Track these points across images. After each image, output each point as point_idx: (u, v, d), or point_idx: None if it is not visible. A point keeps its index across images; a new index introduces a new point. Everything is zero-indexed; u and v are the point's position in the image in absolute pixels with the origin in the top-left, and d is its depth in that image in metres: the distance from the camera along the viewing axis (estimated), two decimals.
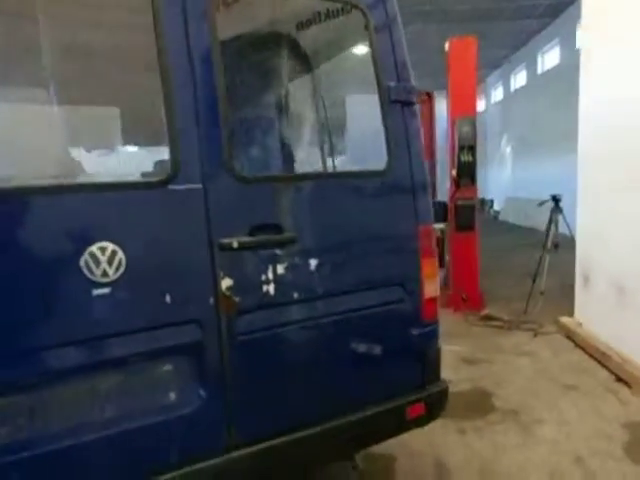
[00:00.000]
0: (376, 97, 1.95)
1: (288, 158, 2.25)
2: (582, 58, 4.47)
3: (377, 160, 1.98)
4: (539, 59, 15.02)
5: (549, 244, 5.04)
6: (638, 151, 3.48)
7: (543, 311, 5.07)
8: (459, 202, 5.50)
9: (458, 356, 4.23)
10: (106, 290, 1.45)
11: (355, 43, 2.06)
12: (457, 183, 5.50)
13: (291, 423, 1.79)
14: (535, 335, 4.71)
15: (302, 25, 2.16)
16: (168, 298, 1.55)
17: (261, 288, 1.71)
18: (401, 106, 2.00)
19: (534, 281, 5.29)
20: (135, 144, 1.77)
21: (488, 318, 5.31)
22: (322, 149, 2.26)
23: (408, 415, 2.03)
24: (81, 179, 1.74)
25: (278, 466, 1.79)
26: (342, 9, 2.09)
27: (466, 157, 5.41)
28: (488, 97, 20.86)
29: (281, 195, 1.75)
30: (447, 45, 5.52)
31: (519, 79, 17.17)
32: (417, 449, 2.82)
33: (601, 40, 4.14)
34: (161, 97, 1.53)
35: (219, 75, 1.62)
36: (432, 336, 2.13)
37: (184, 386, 1.62)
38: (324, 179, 1.92)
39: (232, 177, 1.65)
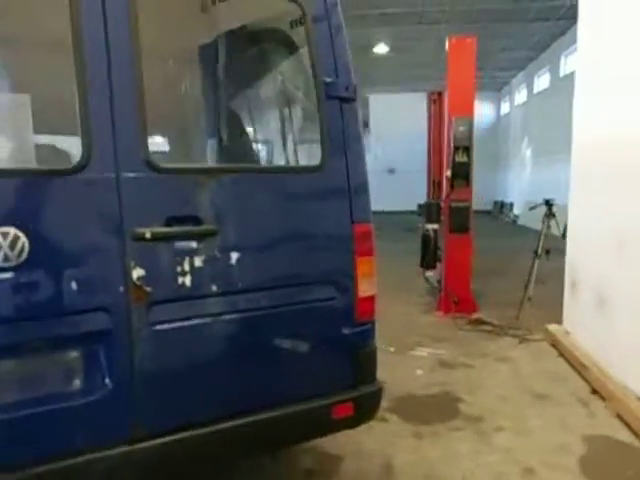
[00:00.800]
0: (313, 93, 1.93)
1: (213, 150, 2.25)
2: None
3: (311, 157, 1.96)
4: (562, 61, 14.61)
5: (539, 250, 4.91)
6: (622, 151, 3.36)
7: (535, 318, 4.95)
8: (453, 204, 5.40)
9: (438, 360, 4.17)
10: (7, 275, 1.48)
11: (291, 35, 2.03)
12: (452, 184, 5.40)
13: (203, 418, 1.78)
14: (520, 342, 4.60)
15: (232, 12, 2.14)
16: (75, 285, 1.57)
17: (176, 280, 1.71)
18: (339, 102, 1.97)
19: (526, 287, 5.17)
20: (47, 132, 1.78)
21: (478, 322, 5.22)
22: (250, 143, 2.26)
23: (334, 415, 2.00)
24: None
25: (187, 461, 1.78)
26: None
27: (461, 158, 5.31)
28: (512, 99, 20.43)
29: (201, 187, 1.75)
30: (447, 45, 5.43)
31: (542, 81, 16.75)
32: (368, 450, 2.79)
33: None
34: (75, 85, 1.55)
35: (137, 64, 1.62)
36: (366, 336, 2.10)
37: (91, 374, 1.64)
38: (251, 173, 1.91)
39: (148, 167, 1.65)
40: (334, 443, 2.82)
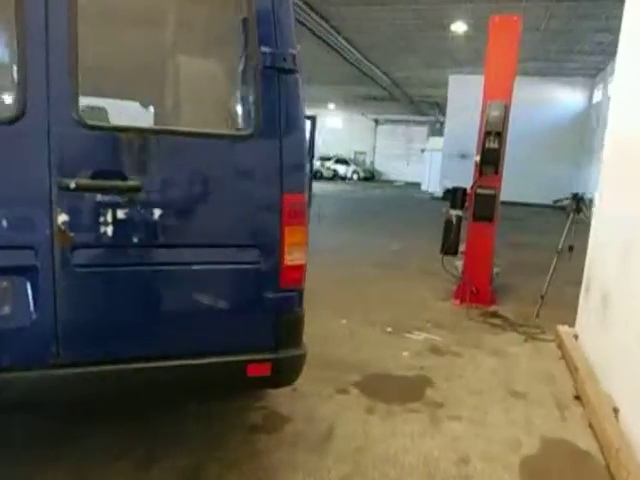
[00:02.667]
0: (250, 61, 1.99)
1: (144, 111, 2.37)
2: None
3: (242, 124, 2.03)
4: None
5: (560, 246, 4.60)
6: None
7: (556, 318, 4.68)
8: (479, 190, 5.20)
9: (430, 345, 4.13)
10: None
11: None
12: (480, 170, 5.18)
13: (118, 356, 1.97)
14: (526, 340, 4.40)
15: None
16: (5, 223, 1.80)
17: (98, 229, 1.88)
18: (277, 73, 2.01)
19: (548, 284, 4.91)
20: None
21: (491, 315, 5.05)
22: (182, 106, 2.34)
23: (249, 372, 2.12)
24: None
25: (99, 393, 2.00)
26: None
27: (492, 144, 5.06)
28: (606, 87, 18.64)
29: (129, 146, 1.89)
30: (489, 24, 5.13)
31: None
32: (317, 416, 2.89)
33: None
34: (14, 42, 1.72)
35: (72, 23, 1.75)
36: (290, 302, 2.18)
37: (18, 302, 1.86)
38: (180, 136, 2.02)
39: (78, 124, 1.82)
40: (288, 406, 2.97)
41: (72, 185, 1.82)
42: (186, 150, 1.99)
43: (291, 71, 2.04)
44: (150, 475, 2.30)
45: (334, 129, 36.38)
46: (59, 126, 1.80)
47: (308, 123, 7.30)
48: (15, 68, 1.75)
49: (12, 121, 1.76)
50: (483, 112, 5.12)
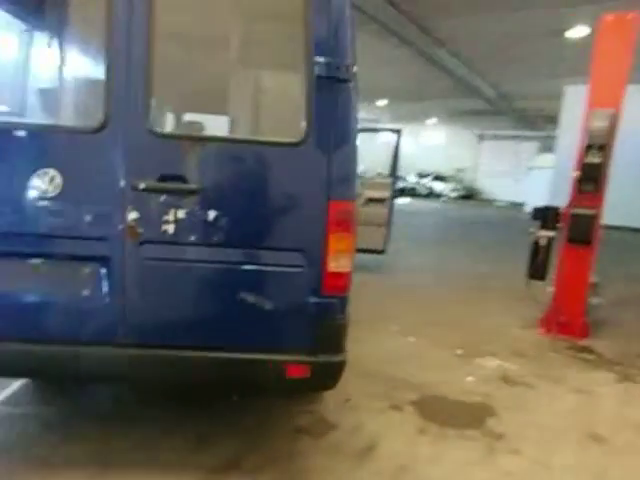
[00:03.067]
0: (303, 72, 2.05)
1: (207, 121, 2.49)
2: None
3: (293, 132, 2.09)
4: None
5: None
6: None
7: None
8: (576, 210, 4.75)
9: (502, 373, 3.85)
10: (47, 203, 2.01)
11: (288, 9, 2.15)
12: (578, 188, 4.75)
13: (171, 342, 2.12)
14: (620, 381, 3.91)
15: None
16: (88, 218, 2.04)
17: (162, 226, 2.06)
18: (330, 83, 2.05)
19: None
20: (83, 101, 2.27)
21: (581, 349, 4.58)
22: (239, 116, 2.44)
23: (289, 373, 2.15)
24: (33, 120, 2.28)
25: (154, 374, 2.18)
26: None
27: (594, 158, 4.62)
28: None
29: (190, 152, 2.05)
30: (599, 23, 4.70)
31: None
32: (364, 429, 2.84)
33: None
34: (103, 69, 2.00)
35: (149, 53, 1.99)
36: (332, 309, 2.17)
37: (95, 287, 2.09)
38: (236, 143, 2.13)
39: (149, 133, 2.02)
40: (337, 415, 2.96)
41: (141, 186, 2.02)
42: (240, 156, 2.11)
43: (345, 81, 2.06)
44: (196, 455, 2.44)
45: (435, 145, 35.66)
46: (133, 135, 2.02)
47: (392, 137, 7.25)
48: (102, 89, 2.00)
49: (96, 131, 2.01)
50: (586, 122, 4.70)
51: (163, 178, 2.05)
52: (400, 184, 28.74)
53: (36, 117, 2.13)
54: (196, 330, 2.16)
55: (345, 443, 2.68)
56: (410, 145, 37.47)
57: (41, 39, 2.23)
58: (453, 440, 2.80)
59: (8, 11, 2.16)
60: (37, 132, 2.07)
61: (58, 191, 2.01)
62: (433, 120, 31.75)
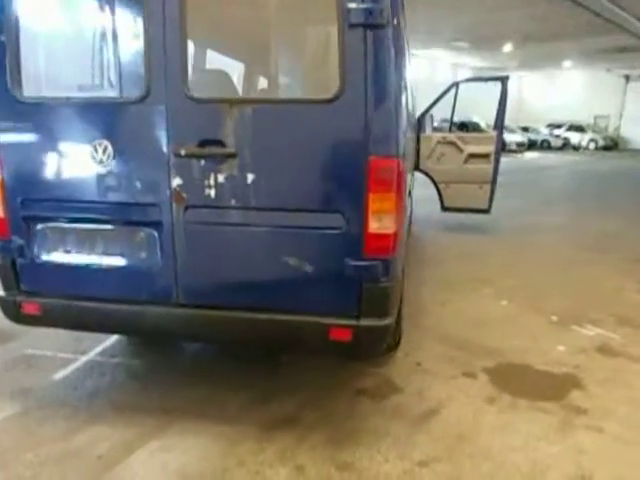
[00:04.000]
0: (335, 22, 1.95)
1: (241, 82, 2.44)
2: None
3: (328, 87, 2.03)
4: None
5: None
6: None
7: None
8: None
9: (601, 343, 3.45)
10: (103, 171, 2.24)
11: None
12: None
13: (220, 303, 2.27)
14: None
15: None
16: (139, 185, 2.23)
17: (204, 191, 2.17)
18: (363, 30, 1.94)
19: None
20: (126, 73, 2.39)
21: None
22: (271, 74, 2.35)
23: (331, 336, 2.18)
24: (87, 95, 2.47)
25: (206, 332, 2.36)
26: None
27: None
28: None
29: (225, 115, 2.09)
30: None
31: None
32: (429, 394, 2.79)
33: None
34: (142, 43, 2.12)
35: (183, 26, 2.07)
36: (375, 272, 2.13)
37: (151, 250, 2.30)
38: (269, 104, 2.11)
39: (187, 98, 2.11)
40: (403, 378, 2.95)
41: (182, 152, 2.14)
42: (273, 117, 2.10)
43: (379, 26, 1.93)
44: (258, 410, 2.61)
45: (570, 91, 31.70)
46: (173, 102, 2.12)
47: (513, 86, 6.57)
48: (143, 62, 2.13)
49: (140, 100, 2.16)
50: None
51: (202, 143, 2.12)
52: (529, 136, 26.34)
53: (88, 91, 2.33)
54: (241, 292, 2.27)
55: (407, 407, 2.67)
56: (542, 93, 33.81)
57: (90, 21, 2.43)
58: (525, 411, 2.63)
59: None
60: (89, 105, 2.26)
61: (112, 160, 2.20)
62: (567, 63, 28.13)
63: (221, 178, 2.15)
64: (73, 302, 2.40)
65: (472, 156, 6.32)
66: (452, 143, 6.31)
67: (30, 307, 2.44)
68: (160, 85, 2.12)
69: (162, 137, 2.15)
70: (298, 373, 2.99)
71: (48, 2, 2.33)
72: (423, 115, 6.42)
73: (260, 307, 2.25)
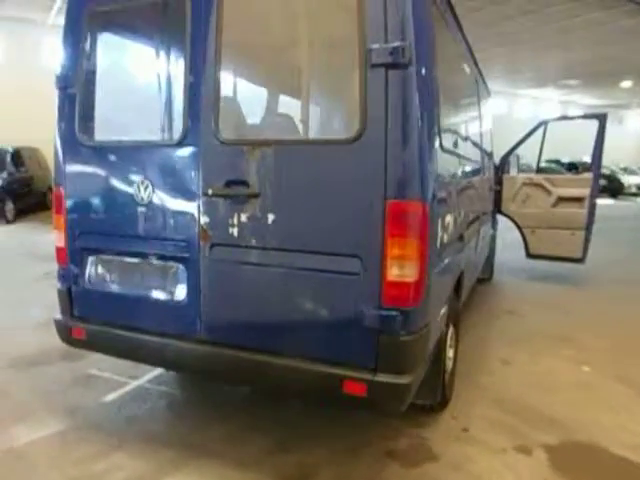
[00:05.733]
0: (357, 62, 1.90)
1: (264, 124, 2.40)
2: None
3: (349, 128, 1.96)
4: None
5: None
6: None
7: None
8: None
9: None
10: (142, 209, 2.37)
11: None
12: None
13: (237, 342, 2.23)
14: None
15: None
16: (172, 222, 2.32)
17: (228, 230, 2.19)
18: (385, 70, 1.87)
19: None
20: (169, 118, 2.51)
21: None
22: (293, 115, 2.28)
23: (344, 389, 2.02)
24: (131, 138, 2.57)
25: (222, 372, 2.33)
26: None
27: None
28: None
29: (249, 157, 2.12)
30: None
31: None
32: (472, 469, 2.45)
33: None
34: (183, 89, 2.24)
35: (217, 75, 2.16)
36: (392, 323, 1.96)
37: (180, 285, 2.35)
38: (290, 145, 2.08)
39: (217, 141, 2.18)
40: (443, 445, 2.65)
41: (210, 192, 2.19)
42: (294, 158, 2.08)
43: (399, 66, 1.84)
44: (278, 458, 2.47)
45: None
46: (206, 145, 2.21)
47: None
48: (182, 107, 2.26)
49: (178, 144, 2.27)
50: None
51: (228, 183, 2.17)
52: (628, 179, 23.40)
53: (133, 135, 2.51)
54: (257, 333, 2.21)
55: None
56: None
57: (139, 69, 2.65)
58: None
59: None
60: (136, 148, 2.43)
61: (151, 199, 2.33)
62: None
63: (244, 217, 2.16)
64: (112, 330, 2.51)
65: (563, 199, 5.76)
66: (539, 185, 5.82)
67: (77, 332, 2.60)
68: (195, 129, 2.22)
69: (194, 178, 2.24)
70: (328, 422, 2.81)
71: (105, 56, 2.58)
72: (507, 155, 6.04)
73: (274, 350, 2.17)
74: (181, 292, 2.35)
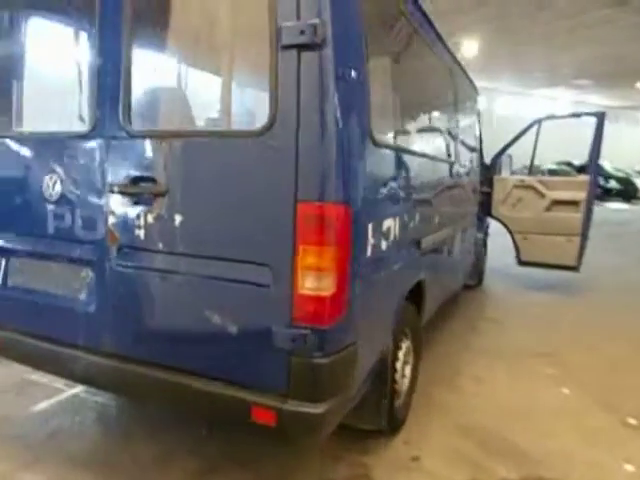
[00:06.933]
0: (267, 44, 1.63)
1: (174, 114, 2.14)
2: None
3: (258, 119, 1.69)
4: None
5: None
6: None
7: None
8: None
9: None
10: (52, 206, 2.12)
11: None
12: None
13: (139, 356, 1.97)
14: None
15: None
16: (80, 222, 2.06)
17: (134, 231, 1.93)
18: (297, 52, 1.59)
19: None
20: (77, 110, 2.28)
21: None
22: (204, 103, 2.03)
23: (253, 416, 1.74)
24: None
25: (125, 389, 2.09)
26: None
27: None
28: None
29: (157, 150, 1.87)
30: None
31: None
32: None
33: None
34: (91, 79, 2.03)
35: (127, 62, 1.93)
36: (303, 343, 1.67)
37: (89, 290, 2.10)
38: (195, 137, 1.82)
39: (124, 132, 1.93)
40: (389, 475, 2.34)
41: (115, 189, 1.93)
42: (199, 152, 1.82)
43: (313, 47, 1.56)
44: None
45: None
46: (113, 137, 1.96)
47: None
48: (91, 96, 2.03)
49: (87, 134, 2.03)
50: None
51: (136, 180, 1.92)
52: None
53: (44, 125, 2.29)
54: (160, 347, 1.96)
55: None
56: None
57: (55, 56, 2.43)
58: None
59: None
60: (44, 140, 2.20)
61: (59, 196, 2.08)
62: None
63: (150, 218, 1.90)
64: (24, 338, 2.27)
65: (557, 203, 5.41)
66: (531, 187, 5.48)
67: None
68: (104, 119, 1.98)
69: (102, 173, 1.99)
70: (262, 443, 2.52)
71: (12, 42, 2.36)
72: (498, 155, 5.71)
73: (178, 368, 1.90)
74: (90, 299, 2.10)
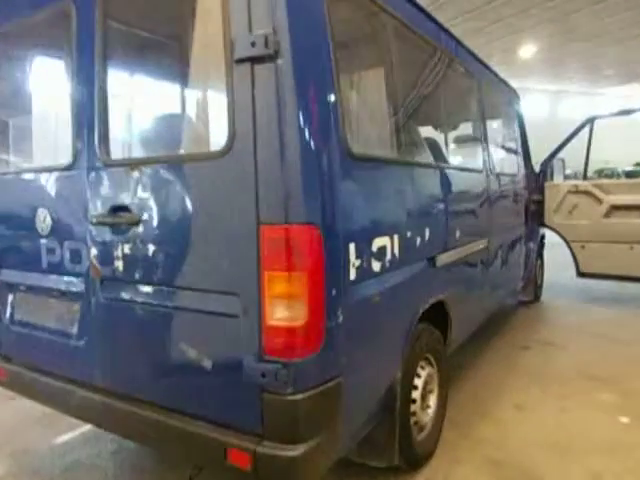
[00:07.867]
0: (223, 59, 1.55)
1: (145, 141, 2.06)
2: None
3: (218, 140, 1.60)
4: None
5: None
6: None
7: None
8: None
9: None
10: (44, 240, 2.16)
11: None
12: None
13: (121, 390, 1.94)
14: None
15: None
16: (68, 255, 2.08)
17: (114, 263, 1.91)
18: (250, 66, 1.50)
19: None
20: (60, 143, 2.28)
21: None
22: (170, 129, 1.94)
23: (229, 459, 1.62)
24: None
25: (110, 425, 2.05)
26: None
27: None
28: None
29: (128, 178, 1.85)
30: None
31: None
32: None
33: None
34: (70, 113, 2.03)
35: (101, 93, 1.93)
36: (274, 378, 1.54)
37: (79, 324, 2.10)
38: (160, 163, 1.75)
39: (101, 163, 1.93)
40: None
41: (94, 220, 1.93)
42: (166, 178, 1.76)
43: (265, 59, 1.47)
44: None
45: None
46: (91, 167, 1.96)
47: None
48: (71, 129, 2.04)
49: (66, 168, 2.06)
50: None
51: (114, 209, 1.90)
52: None
53: (33, 161, 2.35)
54: (137, 382, 1.91)
55: None
56: None
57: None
58: None
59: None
60: (32, 175, 2.24)
61: (49, 229, 2.12)
62: None
63: (127, 248, 1.88)
64: (28, 373, 2.31)
65: (617, 208, 4.89)
66: (587, 192, 5.00)
67: (0, 372, 2.43)
68: (84, 151, 1.99)
69: (83, 204, 2.00)
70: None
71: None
72: (548, 160, 5.29)
73: (156, 404, 1.83)
74: (80, 333, 2.10)
